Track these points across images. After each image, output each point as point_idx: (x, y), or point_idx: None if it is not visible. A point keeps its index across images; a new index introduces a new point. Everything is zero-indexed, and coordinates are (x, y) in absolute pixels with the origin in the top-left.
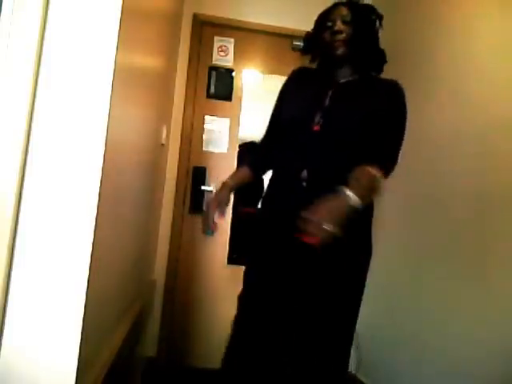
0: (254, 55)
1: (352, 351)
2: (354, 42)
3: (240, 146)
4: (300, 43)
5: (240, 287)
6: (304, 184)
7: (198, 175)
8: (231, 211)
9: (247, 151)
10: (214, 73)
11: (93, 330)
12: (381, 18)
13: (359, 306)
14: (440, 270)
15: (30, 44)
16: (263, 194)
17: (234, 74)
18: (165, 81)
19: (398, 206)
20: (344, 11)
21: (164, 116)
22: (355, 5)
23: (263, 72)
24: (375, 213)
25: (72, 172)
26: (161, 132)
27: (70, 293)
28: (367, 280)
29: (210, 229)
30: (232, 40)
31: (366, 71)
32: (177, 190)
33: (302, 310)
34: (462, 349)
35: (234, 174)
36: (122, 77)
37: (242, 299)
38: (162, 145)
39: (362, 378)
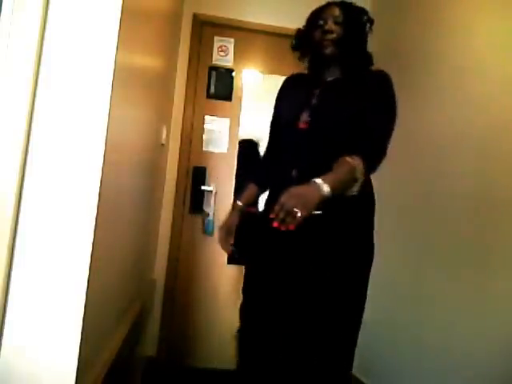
0: (254, 55)
1: None
2: (343, 43)
3: (239, 143)
4: None
5: (239, 287)
6: (295, 182)
7: (198, 175)
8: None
9: (248, 159)
10: (213, 73)
11: (93, 330)
12: (372, 21)
13: (362, 304)
14: (440, 270)
15: (29, 44)
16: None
17: (234, 74)
18: (165, 81)
19: (399, 206)
20: (336, 11)
21: (164, 116)
22: (348, 6)
23: (263, 72)
24: (376, 214)
25: (72, 172)
26: (161, 132)
27: (70, 293)
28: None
29: (230, 253)
30: (232, 40)
31: (353, 71)
32: (177, 190)
33: (300, 308)
34: (462, 349)
35: (242, 194)
36: (122, 77)
37: (244, 299)
38: (162, 145)
39: (362, 378)
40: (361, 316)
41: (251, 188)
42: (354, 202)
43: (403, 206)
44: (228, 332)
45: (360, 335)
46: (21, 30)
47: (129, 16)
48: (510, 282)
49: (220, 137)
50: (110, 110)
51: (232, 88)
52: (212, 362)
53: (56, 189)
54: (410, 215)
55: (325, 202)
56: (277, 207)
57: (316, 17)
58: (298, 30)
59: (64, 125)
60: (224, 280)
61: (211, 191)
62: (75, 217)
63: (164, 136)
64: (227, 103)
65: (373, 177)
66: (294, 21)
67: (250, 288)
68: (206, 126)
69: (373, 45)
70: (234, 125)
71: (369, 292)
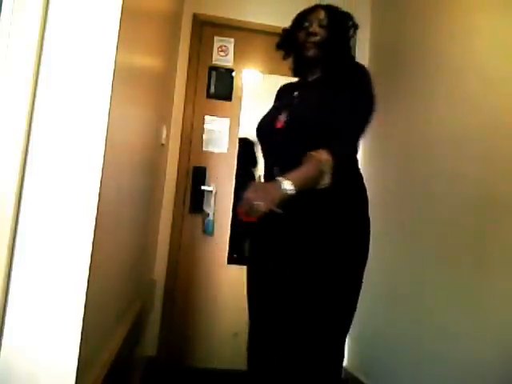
0: (254, 55)
1: (352, 351)
2: (326, 46)
3: (239, 141)
4: None
5: (239, 287)
6: None
7: (198, 175)
8: (231, 211)
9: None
10: (213, 73)
11: (93, 330)
12: (356, 26)
13: (352, 299)
14: (440, 271)
15: (29, 44)
16: None
17: (233, 73)
18: (165, 81)
19: (399, 206)
20: (322, 15)
21: (164, 116)
22: (334, 10)
23: (263, 72)
24: (375, 214)
25: (72, 172)
26: (161, 132)
27: (69, 293)
28: (367, 280)
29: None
30: (232, 40)
31: (333, 70)
32: (177, 190)
33: (288, 303)
34: (462, 349)
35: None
36: (122, 77)
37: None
38: (162, 145)
39: (362, 378)
40: (350, 312)
41: None
42: (340, 196)
43: (403, 206)
44: (228, 332)
45: (360, 335)
46: (21, 29)
47: (129, 16)
48: (509, 282)
49: (220, 137)
50: (110, 110)
51: (232, 88)
52: (212, 362)
53: (56, 189)
54: (409, 215)
55: (291, 199)
56: (243, 201)
57: (302, 18)
58: (284, 30)
59: (64, 125)
60: (224, 280)
61: (211, 191)
62: (75, 217)
63: (164, 136)
64: (227, 103)
65: (373, 177)
66: None
67: (248, 288)
68: (205, 125)
69: (372, 45)
70: (234, 125)
71: (368, 292)
